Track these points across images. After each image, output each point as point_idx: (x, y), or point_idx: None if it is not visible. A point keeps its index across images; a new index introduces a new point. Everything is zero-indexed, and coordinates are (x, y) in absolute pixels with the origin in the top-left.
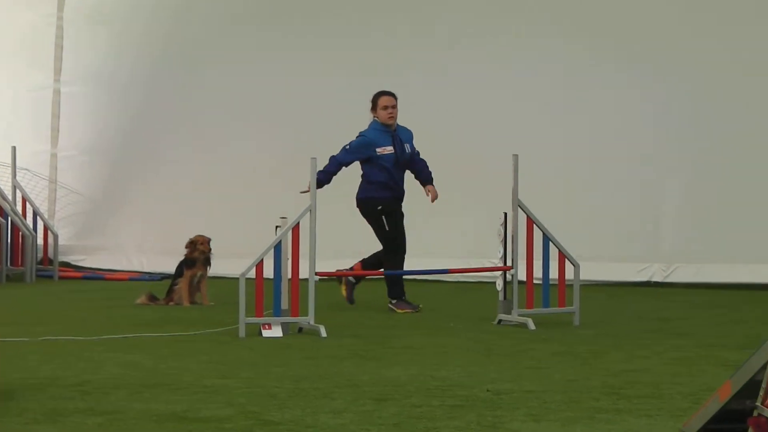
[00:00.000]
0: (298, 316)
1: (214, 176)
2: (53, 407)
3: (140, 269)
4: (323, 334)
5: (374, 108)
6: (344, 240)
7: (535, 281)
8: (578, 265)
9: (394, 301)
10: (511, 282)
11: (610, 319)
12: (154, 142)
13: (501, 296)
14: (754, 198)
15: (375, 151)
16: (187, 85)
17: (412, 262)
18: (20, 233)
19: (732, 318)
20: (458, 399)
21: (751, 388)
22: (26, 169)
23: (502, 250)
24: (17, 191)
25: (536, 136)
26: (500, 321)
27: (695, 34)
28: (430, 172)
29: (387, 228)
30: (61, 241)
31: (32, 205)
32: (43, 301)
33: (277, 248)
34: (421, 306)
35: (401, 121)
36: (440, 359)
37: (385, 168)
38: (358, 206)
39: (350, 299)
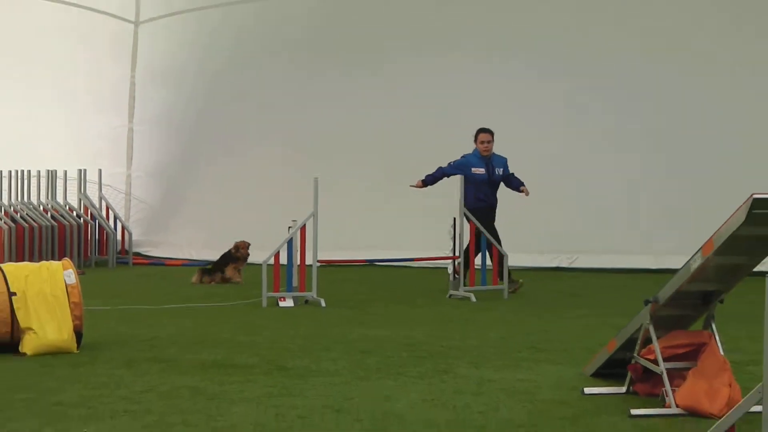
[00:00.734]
0: (305, 291)
1: (242, 190)
2: (129, 356)
3: (190, 258)
4: (323, 305)
5: (475, 140)
6: (340, 235)
7: (475, 267)
8: (506, 255)
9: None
10: (458, 267)
11: (532, 295)
12: (197, 166)
13: (451, 278)
14: (661, 197)
15: (471, 170)
16: (225, 120)
17: (388, 252)
18: (105, 231)
19: (625, 294)
20: (421, 352)
21: (630, 344)
22: (109, 185)
23: (452, 245)
24: (102, 201)
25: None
26: (451, 295)
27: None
28: (519, 179)
29: (477, 228)
30: (134, 238)
31: (113, 211)
32: (120, 281)
33: (290, 242)
34: (521, 281)
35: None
36: (408, 323)
37: (477, 184)
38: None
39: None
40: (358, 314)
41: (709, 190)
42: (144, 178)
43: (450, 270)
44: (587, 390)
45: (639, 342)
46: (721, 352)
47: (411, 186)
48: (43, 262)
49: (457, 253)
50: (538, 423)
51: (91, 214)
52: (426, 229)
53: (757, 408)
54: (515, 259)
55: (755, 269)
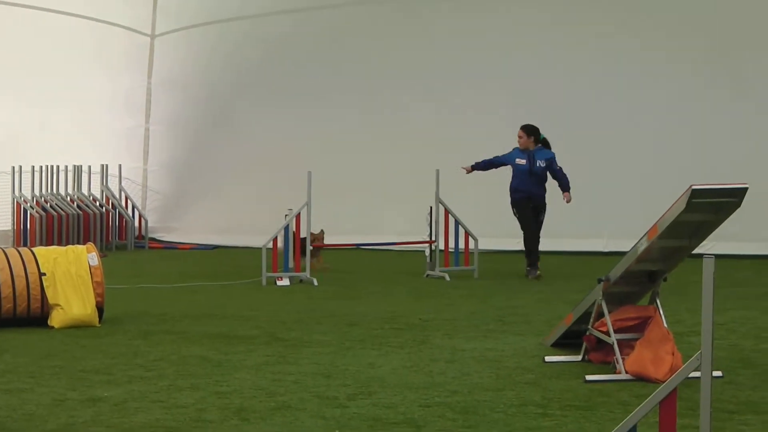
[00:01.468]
0: (299, 272)
1: (244, 182)
2: (145, 329)
3: (199, 242)
4: (315, 283)
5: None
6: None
7: (450, 249)
8: (477, 240)
9: (528, 268)
10: (434, 250)
11: (497, 275)
12: (206, 160)
13: (428, 259)
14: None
15: (515, 161)
16: (226, 120)
17: (371, 237)
18: (124, 219)
19: (581, 272)
20: (401, 324)
21: (585, 317)
22: (128, 178)
23: (428, 230)
24: (122, 192)
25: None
26: (427, 275)
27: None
28: (568, 182)
29: (517, 216)
30: (149, 224)
31: (131, 201)
32: (137, 263)
33: (286, 228)
34: (540, 273)
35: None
36: (390, 299)
37: (518, 175)
38: None
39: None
40: (346, 292)
41: (654, 181)
42: (159, 171)
43: (427, 252)
44: (548, 358)
45: (593, 316)
46: (665, 325)
47: (462, 168)
48: (70, 246)
49: (433, 237)
50: (504, 387)
51: (112, 203)
52: (406, 216)
53: (696, 374)
54: (483, 243)
55: (694, 251)
